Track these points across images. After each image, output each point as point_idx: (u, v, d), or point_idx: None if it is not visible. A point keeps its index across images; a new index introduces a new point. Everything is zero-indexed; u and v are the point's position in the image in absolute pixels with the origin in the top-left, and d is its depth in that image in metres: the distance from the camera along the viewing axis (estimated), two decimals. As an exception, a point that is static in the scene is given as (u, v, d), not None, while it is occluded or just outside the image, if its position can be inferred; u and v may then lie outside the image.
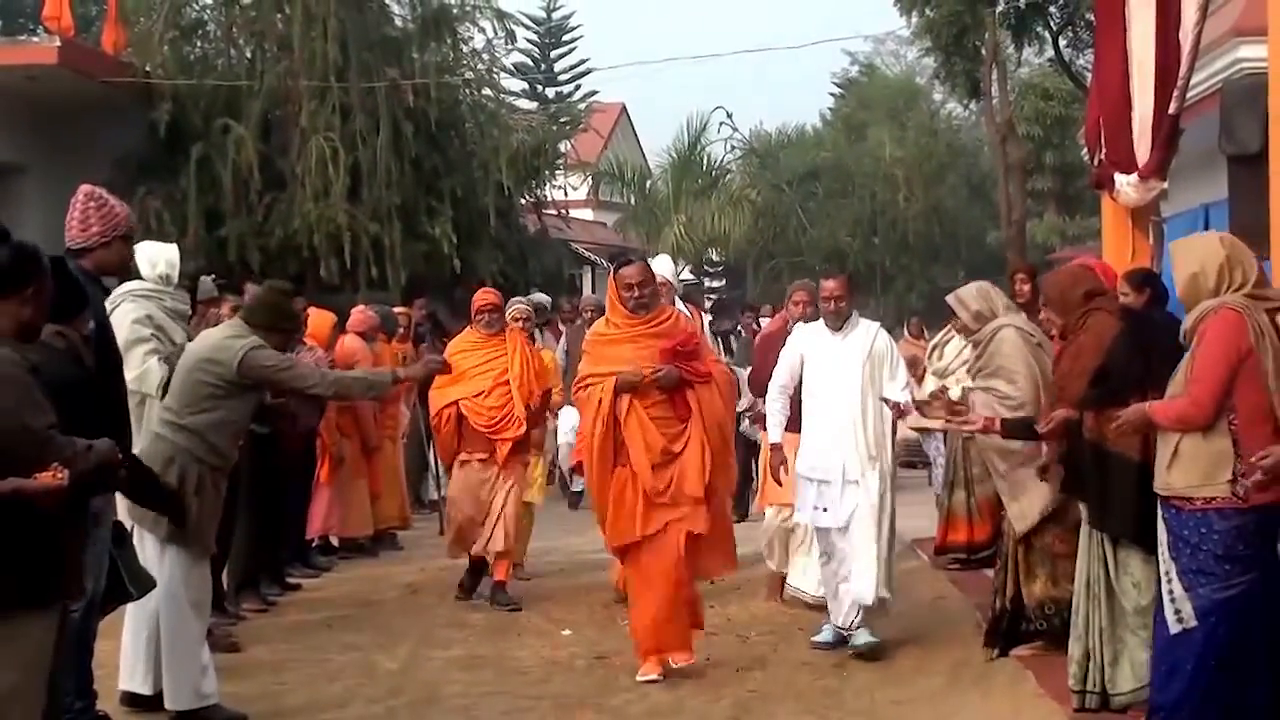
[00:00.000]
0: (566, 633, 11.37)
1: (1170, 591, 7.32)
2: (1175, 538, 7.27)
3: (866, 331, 10.83)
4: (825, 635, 10.84)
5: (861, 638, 10.51)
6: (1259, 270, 7.38)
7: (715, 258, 50.80)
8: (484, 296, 13.16)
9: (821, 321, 10.98)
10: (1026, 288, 12.72)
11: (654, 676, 9.84)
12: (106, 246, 7.84)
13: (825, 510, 10.61)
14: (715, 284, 52.80)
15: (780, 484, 11.17)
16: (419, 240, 24.29)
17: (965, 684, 9.64)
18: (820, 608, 11.27)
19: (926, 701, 9.36)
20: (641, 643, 10.04)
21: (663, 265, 13.77)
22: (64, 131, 21.34)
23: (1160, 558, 7.43)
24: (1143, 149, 11.15)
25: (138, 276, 9.55)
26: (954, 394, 13.22)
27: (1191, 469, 7.16)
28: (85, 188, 8.20)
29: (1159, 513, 7.40)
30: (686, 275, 42.55)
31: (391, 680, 10.28)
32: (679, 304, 13.47)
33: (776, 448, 11.04)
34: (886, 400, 10.54)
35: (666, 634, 9.97)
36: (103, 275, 8.05)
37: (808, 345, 10.96)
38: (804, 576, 11.93)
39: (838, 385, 10.66)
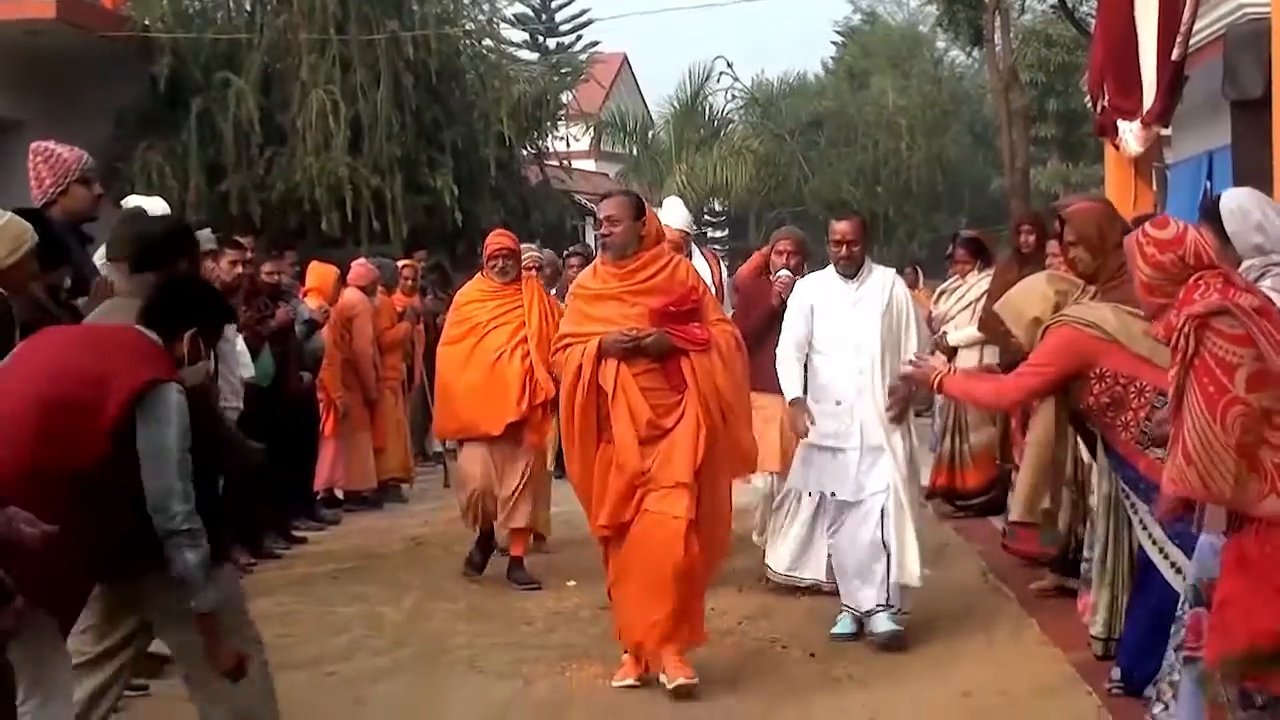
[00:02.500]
0: (571, 584, 11.37)
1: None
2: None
3: (883, 280, 9.82)
4: (844, 625, 9.67)
5: (882, 625, 9.45)
6: None
7: (718, 208, 50.70)
8: (497, 240, 11.85)
9: (831, 269, 9.94)
10: (1032, 238, 12.67)
11: (630, 681, 8.68)
12: (65, 194, 7.82)
13: (836, 480, 9.64)
14: (718, 234, 52.76)
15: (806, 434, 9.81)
16: (420, 193, 24.30)
17: (969, 632, 9.67)
18: (790, 589, 10.74)
19: (930, 650, 9.38)
20: (624, 641, 8.88)
21: (674, 212, 12.21)
22: (63, 86, 21.27)
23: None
24: (1146, 96, 11.15)
25: None
26: (952, 339, 13.29)
27: None
28: (32, 145, 8.18)
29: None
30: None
31: (397, 632, 10.33)
32: (696, 255, 11.89)
33: (797, 402, 9.81)
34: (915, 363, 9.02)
35: (649, 636, 8.58)
36: (77, 224, 8.01)
37: (818, 296, 9.89)
38: (775, 553, 10.70)
39: (853, 340, 9.65)
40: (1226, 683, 5.82)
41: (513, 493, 11.38)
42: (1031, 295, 8.69)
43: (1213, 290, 5.93)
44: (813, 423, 9.67)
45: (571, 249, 17.38)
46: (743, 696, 8.55)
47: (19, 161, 8.63)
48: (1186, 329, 5.78)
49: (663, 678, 8.51)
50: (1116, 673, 7.92)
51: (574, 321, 8.91)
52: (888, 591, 9.44)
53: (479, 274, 12.00)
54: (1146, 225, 6.48)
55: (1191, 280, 6.11)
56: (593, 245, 19.10)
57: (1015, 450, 11.74)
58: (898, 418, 9.55)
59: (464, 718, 8.39)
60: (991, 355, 12.70)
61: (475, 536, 11.81)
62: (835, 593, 9.96)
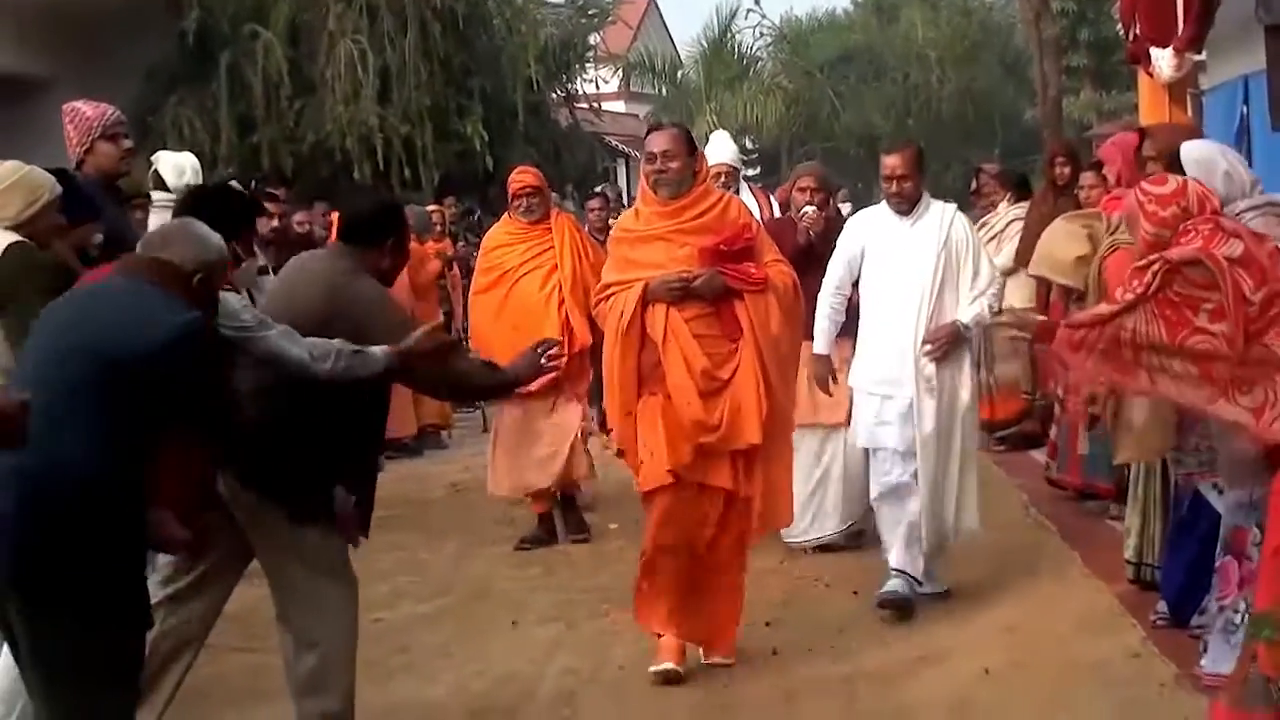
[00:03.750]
0: (614, 526, 11.36)
1: None
2: None
3: (941, 215, 9.05)
4: (895, 585, 8.86)
5: (929, 584, 9.06)
6: None
7: (749, 145, 50.60)
8: (520, 178, 11.08)
9: (884, 205, 9.17)
10: (1066, 170, 12.60)
11: (669, 666, 7.81)
12: (90, 152, 7.77)
13: (887, 429, 8.92)
14: (749, 172, 52.63)
15: (831, 395, 9.46)
16: (450, 140, 24.32)
17: (1012, 568, 9.64)
18: (803, 550, 10.27)
19: (972, 586, 9.36)
20: (652, 621, 8.00)
21: (721, 145, 11.47)
22: (92, 43, 21.25)
23: None
24: (1178, 21, 11.05)
25: (163, 187, 9.44)
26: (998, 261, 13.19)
27: None
28: (63, 106, 8.15)
29: None
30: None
31: (440, 579, 10.38)
32: (745, 192, 11.21)
33: (822, 359, 9.27)
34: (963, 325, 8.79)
35: (689, 622, 7.93)
36: (110, 181, 7.97)
37: (869, 235, 9.13)
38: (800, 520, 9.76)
39: (908, 280, 8.86)
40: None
41: (556, 449, 10.72)
42: (1062, 240, 8.72)
43: (1198, 238, 6.10)
44: (835, 380, 9.29)
45: (594, 191, 16.95)
46: (786, 631, 8.56)
47: (51, 120, 8.62)
48: (1157, 268, 5.99)
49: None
50: (1162, 605, 7.89)
51: (617, 268, 8.06)
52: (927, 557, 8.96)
53: (505, 215, 11.39)
54: (1144, 184, 6.56)
55: (1182, 227, 6.20)
56: (624, 187, 18.81)
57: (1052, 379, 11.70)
58: (936, 355, 8.76)
59: (508, 662, 8.39)
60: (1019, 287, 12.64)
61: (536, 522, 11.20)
62: (851, 546, 10.03)
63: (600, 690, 7.84)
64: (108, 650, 4.92)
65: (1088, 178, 11.52)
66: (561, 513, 11.16)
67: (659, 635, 7.93)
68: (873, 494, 9.16)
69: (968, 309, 8.82)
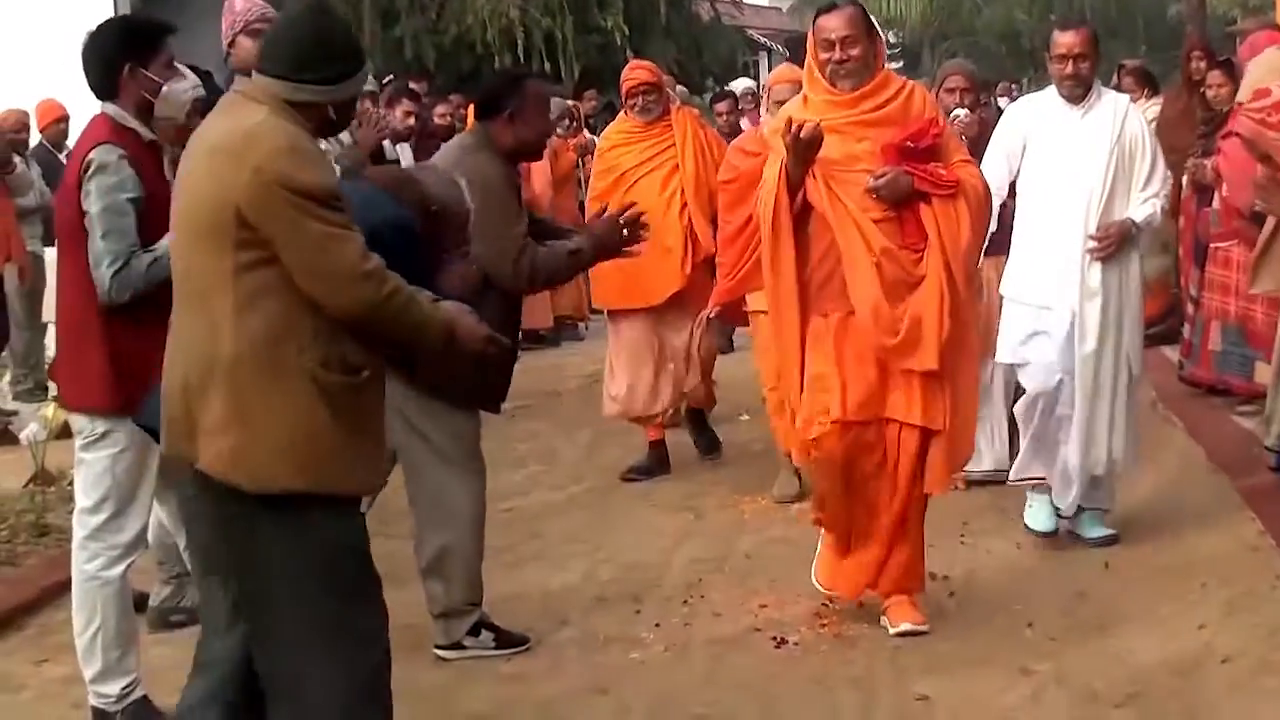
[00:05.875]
0: (744, 418, 11.38)
1: None
2: None
3: (1115, 106, 7.94)
4: (1041, 519, 8.09)
5: (1092, 528, 8.14)
6: None
7: (892, 39, 50.16)
8: (632, 73, 10.16)
9: (1053, 91, 8.01)
10: (1202, 64, 12.42)
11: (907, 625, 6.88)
12: (233, 46, 7.81)
13: (1042, 346, 7.85)
14: (893, 66, 52.20)
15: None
16: (591, 32, 24.35)
17: (1139, 460, 9.58)
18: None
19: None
20: (838, 584, 7.13)
21: None
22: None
23: None
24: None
25: None
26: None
27: None
28: None
29: None
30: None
31: (573, 467, 10.52)
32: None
33: None
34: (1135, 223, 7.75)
35: (881, 573, 6.95)
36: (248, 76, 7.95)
37: (1033, 126, 8.00)
38: None
39: (1078, 177, 7.77)
40: None
41: (675, 371, 9.87)
42: None
43: None
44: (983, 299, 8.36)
45: (722, 90, 15.63)
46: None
47: (188, 15, 8.62)
48: None
49: (883, 619, 7.02)
50: None
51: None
52: (1096, 489, 8.08)
53: (621, 113, 10.49)
54: (1247, 106, 6.71)
55: None
56: (758, 85, 18.17)
57: (1183, 277, 11.60)
58: (1105, 253, 7.72)
59: (637, 550, 8.51)
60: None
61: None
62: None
63: (724, 580, 7.91)
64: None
65: (1215, 77, 11.38)
66: (691, 429, 10.46)
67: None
68: (1023, 414, 8.06)
69: (1139, 208, 7.77)
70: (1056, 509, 8.04)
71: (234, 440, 4.45)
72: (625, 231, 6.70)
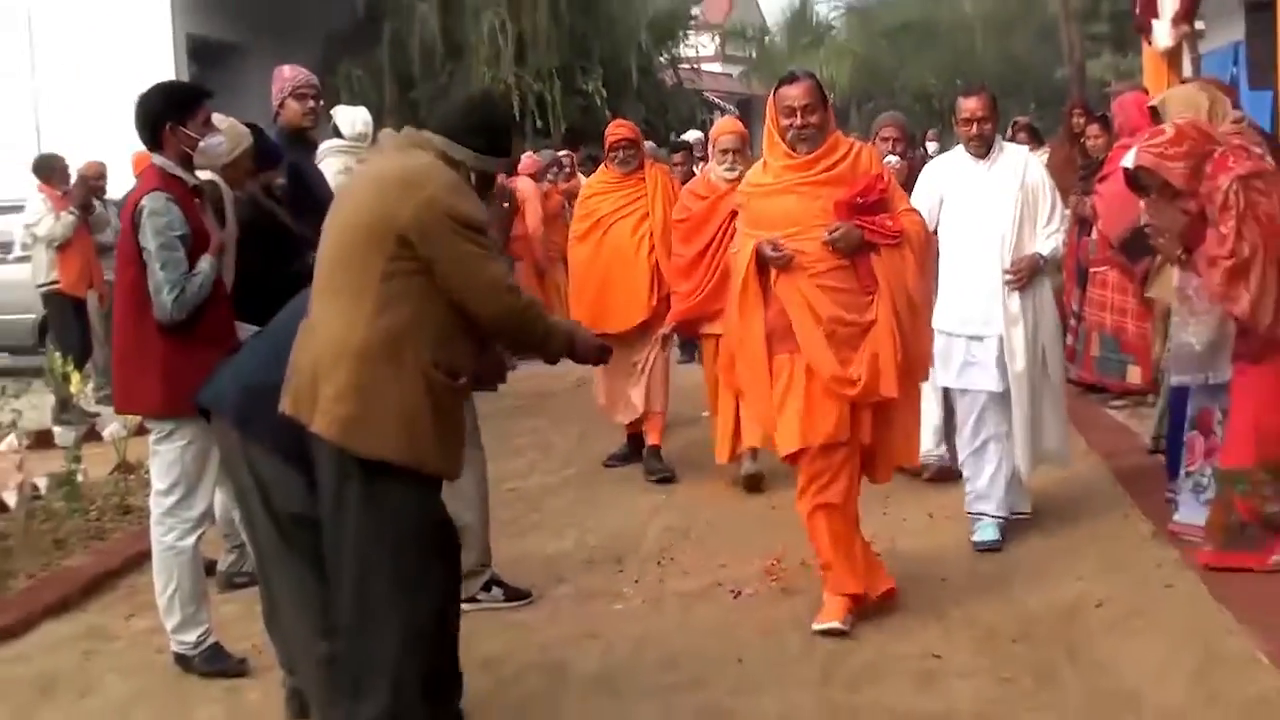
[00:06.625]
0: (705, 415, 11.15)
1: None
2: None
3: (1016, 158, 7.87)
4: (987, 533, 7.68)
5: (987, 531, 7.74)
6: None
7: (825, 100, 50.40)
8: (616, 130, 9.94)
9: (961, 150, 7.93)
10: (1082, 120, 12.53)
11: (834, 625, 6.41)
12: (282, 107, 7.81)
13: (973, 370, 7.71)
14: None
15: None
16: (575, 95, 24.44)
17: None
18: None
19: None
20: (848, 583, 6.57)
21: None
22: (277, 13, 21.49)
23: None
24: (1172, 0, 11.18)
25: (339, 135, 9.31)
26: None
27: None
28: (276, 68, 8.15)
29: None
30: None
31: (566, 456, 10.59)
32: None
33: None
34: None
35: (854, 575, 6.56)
36: (295, 133, 7.94)
37: (947, 180, 7.89)
38: None
39: (990, 221, 7.65)
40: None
41: (641, 386, 9.71)
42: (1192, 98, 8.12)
43: (1243, 159, 6.53)
44: None
45: (678, 141, 14.39)
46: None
47: (245, 81, 8.66)
48: (1234, 188, 6.40)
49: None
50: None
51: (750, 224, 6.59)
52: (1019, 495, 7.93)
53: (603, 165, 10.21)
54: (1146, 143, 6.74)
55: (1218, 154, 6.42)
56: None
57: (1067, 295, 11.74)
58: (1020, 284, 7.59)
59: (620, 521, 8.60)
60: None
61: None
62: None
63: (691, 545, 8.01)
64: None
65: (1093, 129, 11.54)
66: (644, 455, 9.92)
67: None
68: (965, 442, 7.84)
69: (1045, 243, 7.66)
70: (1002, 518, 7.70)
71: (350, 410, 4.54)
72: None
